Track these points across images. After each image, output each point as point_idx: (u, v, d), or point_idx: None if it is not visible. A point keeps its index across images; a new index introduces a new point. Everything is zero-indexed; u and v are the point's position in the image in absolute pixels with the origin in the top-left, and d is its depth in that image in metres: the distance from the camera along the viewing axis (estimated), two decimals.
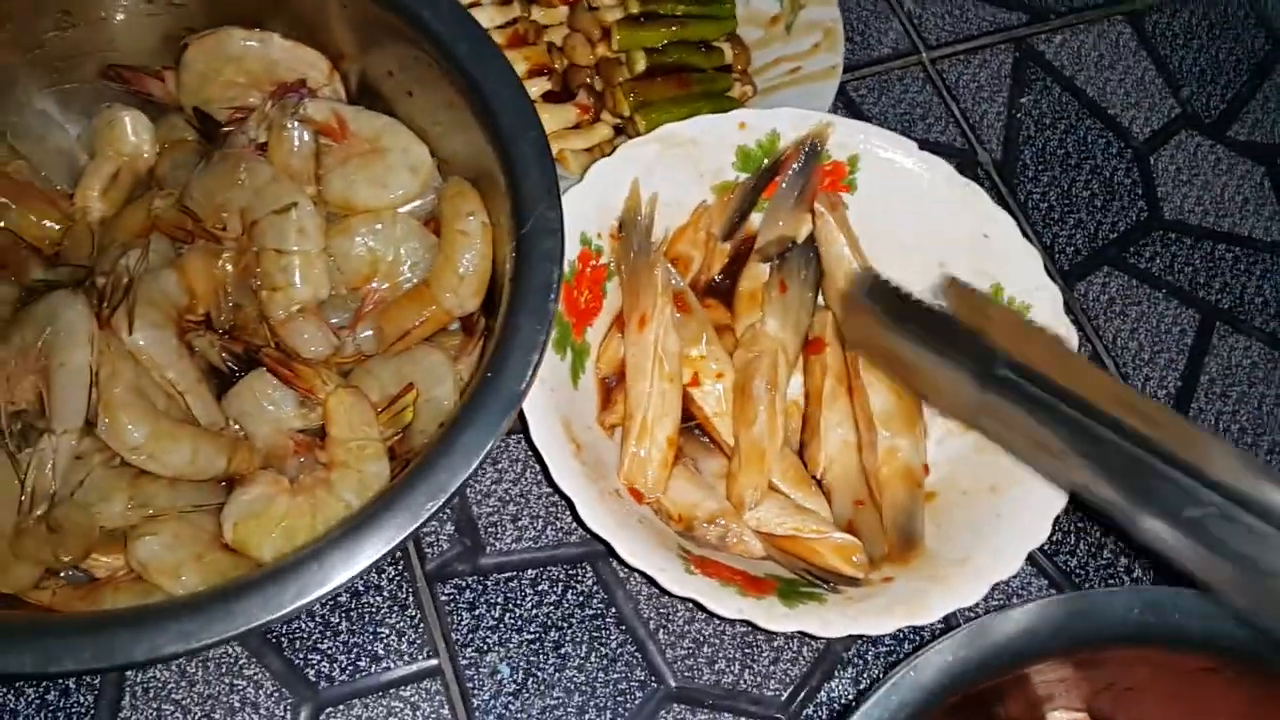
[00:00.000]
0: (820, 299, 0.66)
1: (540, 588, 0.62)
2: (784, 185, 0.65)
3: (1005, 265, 0.62)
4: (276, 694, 0.57)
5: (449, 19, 0.57)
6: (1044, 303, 0.61)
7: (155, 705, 0.56)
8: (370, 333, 0.61)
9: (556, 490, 0.55)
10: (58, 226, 0.60)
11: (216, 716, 0.56)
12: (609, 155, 0.63)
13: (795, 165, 0.64)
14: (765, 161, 0.64)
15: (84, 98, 0.65)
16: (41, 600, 0.51)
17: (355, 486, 0.54)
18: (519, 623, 0.60)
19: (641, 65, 0.69)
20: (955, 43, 0.84)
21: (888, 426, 0.61)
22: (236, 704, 0.57)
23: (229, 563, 0.53)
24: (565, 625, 0.60)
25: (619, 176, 0.62)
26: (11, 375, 0.54)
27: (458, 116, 0.59)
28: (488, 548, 0.62)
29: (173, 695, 0.57)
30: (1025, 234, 0.64)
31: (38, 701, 0.56)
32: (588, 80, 0.71)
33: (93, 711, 0.56)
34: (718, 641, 0.61)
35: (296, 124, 0.61)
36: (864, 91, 0.80)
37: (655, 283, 0.61)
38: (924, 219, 0.65)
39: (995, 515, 0.57)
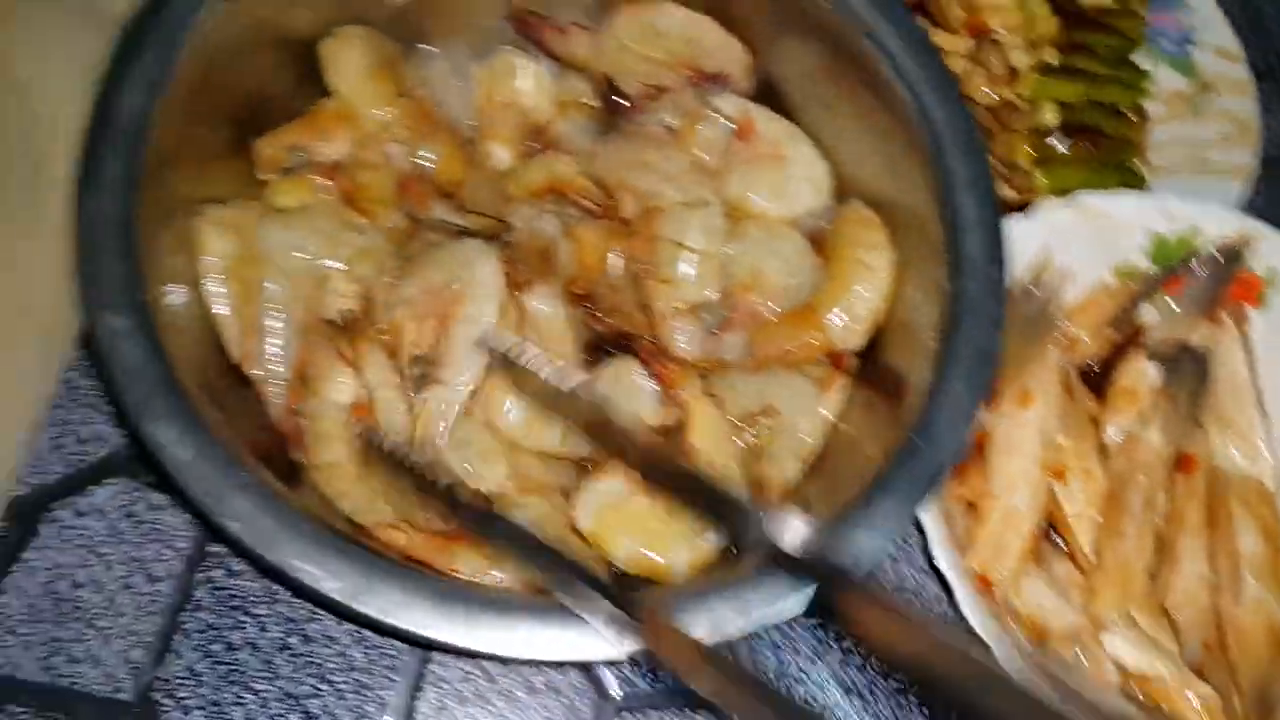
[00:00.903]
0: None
1: (845, 643, 0.59)
2: (1192, 285, 0.61)
3: None
4: (580, 686, 0.56)
5: (911, 46, 0.54)
6: None
7: (464, 667, 0.56)
8: (739, 343, 0.59)
9: (932, 567, 0.52)
10: (459, 167, 0.59)
11: (519, 694, 0.56)
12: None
13: (1210, 267, 0.60)
14: (1180, 255, 0.60)
15: (481, 38, 0.63)
16: (395, 542, 0.50)
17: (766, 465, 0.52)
18: (822, 676, 0.58)
19: (1051, 118, 0.65)
20: None
21: (1256, 574, 0.56)
22: (540, 685, 0.56)
23: (585, 551, 0.51)
24: (869, 695, 0.58)
25: (1029, 237, 0.59)
26: (417, 316, 0.53)
27: (888, 146, 0.56)
28: None
29: (483, 662, 0.56)
30: None
31: (355, 634, 0.56)
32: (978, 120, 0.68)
33: (404, 658, 0.56)
34: None
35: (715, 117, 0.59)
36: (1255, 192, 0.74)
37: (1048, 360, 0.58)
38: None
39: None
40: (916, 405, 0.49)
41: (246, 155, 0.57)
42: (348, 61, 0.57)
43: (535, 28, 0.63)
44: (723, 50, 0.60)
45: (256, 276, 0.53)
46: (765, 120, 0.60)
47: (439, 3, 0.61)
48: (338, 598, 0.42)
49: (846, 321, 0.56)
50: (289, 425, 0.53)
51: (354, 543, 0.44)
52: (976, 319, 0.50)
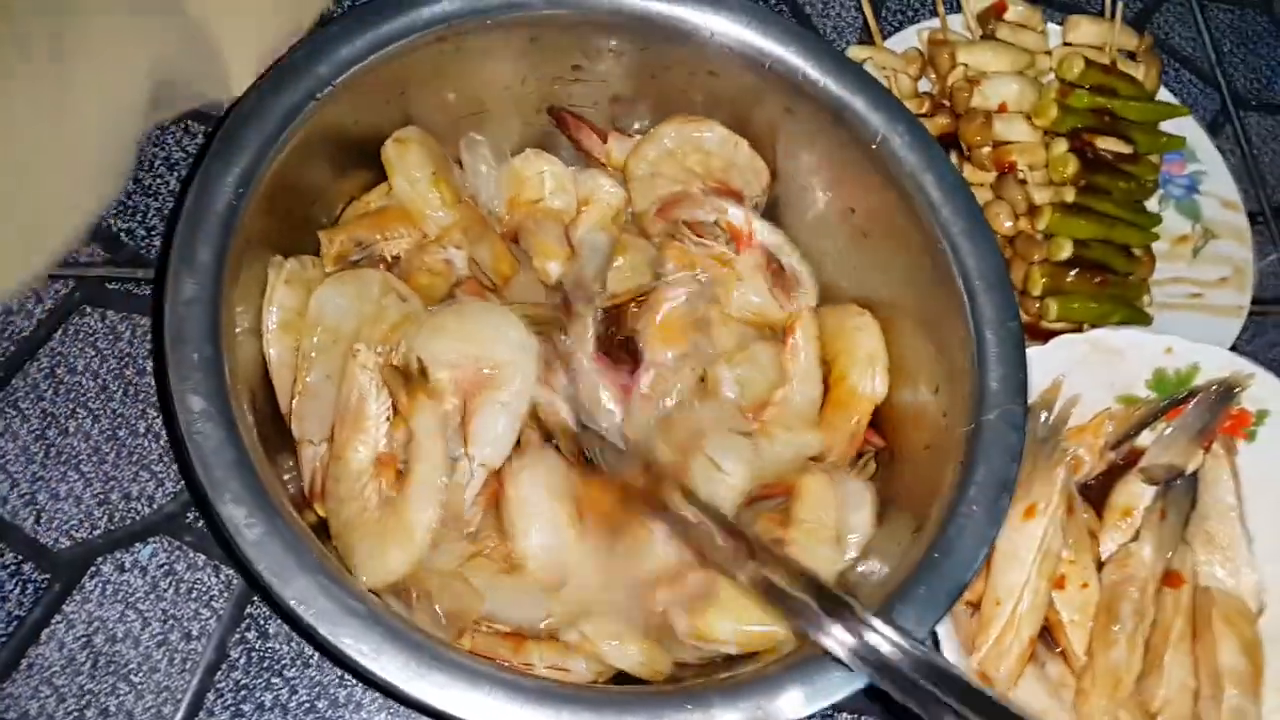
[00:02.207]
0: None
1: None
2: (1188, 416, 0.65)
3: None
4: None
5: (950, 192, 0.58)
6: None
7: None
8: None
9: None
10: (507, 267, 0.62)
11: None
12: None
13: (1205, 401, 0.65)
14: (1180, 390, 0.65)
15: (524, 128, 0.67)
16: (461, 643, 0.52)
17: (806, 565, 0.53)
18: None
19: (1066, 253, 0.69)
20: None
21: (1236, 686, 0.60)
22: None
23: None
24: None
25: (1044, 365, 0.63)
26: (455, 382, 0.55)
27: (919, 280, 0.59)
28: None
29: None
30: None
31: (382, 702, 0.58)
32: None
33: None
34: None
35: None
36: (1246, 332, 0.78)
37: (1054, 479, 0.62)
38: None
39: None
40: (935, 527, 0.52)
41: (310, 236, 0.59)
42: (412, 167, 0.60)
43: (573, 127, 0.66)
44: (750, 169, 0.65)
45: (308, 334, 0.55)
46: (763, 232, 0.64)
47: (486, 100, 0.64)
48: (388, 679, 0.44)
49: (870, 378, 0.61)
50: (316, 482, 0.55)
51: (408, 626, 0.46)
52: (997, 450, 0.53)
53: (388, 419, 0.54)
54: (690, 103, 0.65)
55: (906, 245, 0.60)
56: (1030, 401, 0.63)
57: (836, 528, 0.55)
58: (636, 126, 0.67)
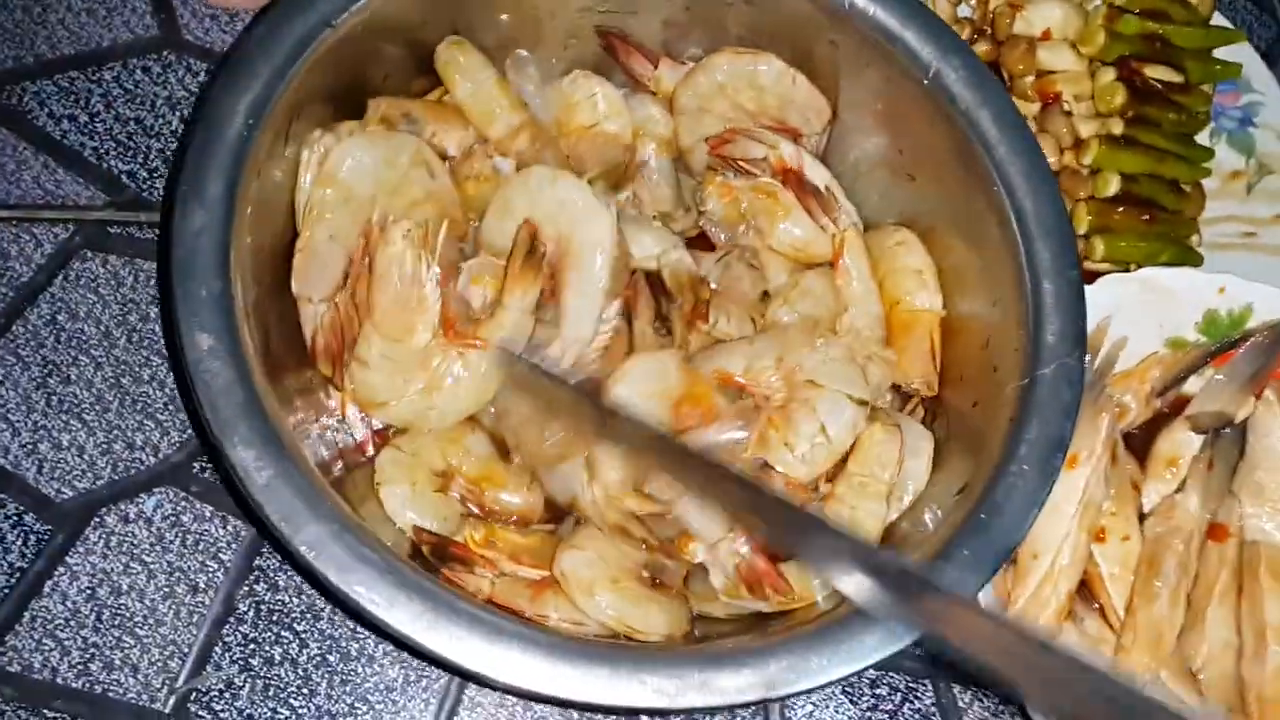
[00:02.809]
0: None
1: (879, 691, 0.60)
2: (1239, 361, 0.62)
3: None
4: None
5: (1007, 132, 0.54)
6: None
7: (496, 697, 0.56)
8: None
9: None
10: None
11: None
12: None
13: (1258, 345, 0.61)
14: (1232, 333, 0.61)
15: (574, 50, 0.63)
16: (481, 588, 0.50)
17: (845, 522, 0.52)
18: None
19: (1113, 189, 0.65)
20: None
21: None
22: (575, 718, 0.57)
23: (642, 594, 0.51)
24: None
25: (1090, 306, 0.59)
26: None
27: (968, 221, 0.56)
28: None
29: None
30: None
31: (394, 655, 0.56)
32: None
33: (441, 681, 0.56)
34: None
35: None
36: None
37: (1098, 427, 0.58)
38: None
39: None
40: (983, 486, 0.49)
41: None
42: (475, 69, 0.57)
43: (622, 51, 0.63)
44: (809, 108, 0.61)
45: (319, 188, 0.52)
46: (813, 169, 0.60)
47: (536, 17, 0.60)
48: (400, 629, 0.42)
49: (924, 290, 0.58)
50: (318, 341, 0.53)
51: (420, 576, 0.44)
52: (1052, 406, 0.50)
53: (438, 287, 0.52)
54: (729, 36, 0.61)
55: (957, 187, 0.56)
56: None
57: (890, 483, 0.53)
58: (689, 54, 0.63)
